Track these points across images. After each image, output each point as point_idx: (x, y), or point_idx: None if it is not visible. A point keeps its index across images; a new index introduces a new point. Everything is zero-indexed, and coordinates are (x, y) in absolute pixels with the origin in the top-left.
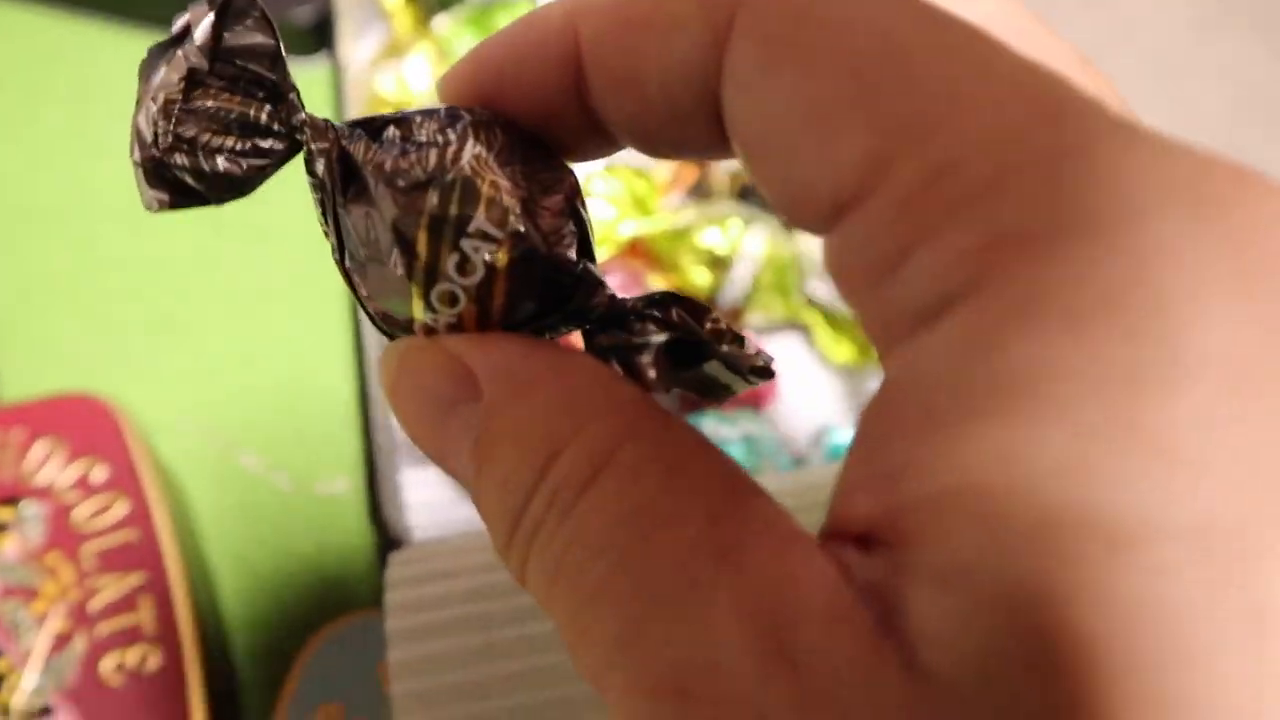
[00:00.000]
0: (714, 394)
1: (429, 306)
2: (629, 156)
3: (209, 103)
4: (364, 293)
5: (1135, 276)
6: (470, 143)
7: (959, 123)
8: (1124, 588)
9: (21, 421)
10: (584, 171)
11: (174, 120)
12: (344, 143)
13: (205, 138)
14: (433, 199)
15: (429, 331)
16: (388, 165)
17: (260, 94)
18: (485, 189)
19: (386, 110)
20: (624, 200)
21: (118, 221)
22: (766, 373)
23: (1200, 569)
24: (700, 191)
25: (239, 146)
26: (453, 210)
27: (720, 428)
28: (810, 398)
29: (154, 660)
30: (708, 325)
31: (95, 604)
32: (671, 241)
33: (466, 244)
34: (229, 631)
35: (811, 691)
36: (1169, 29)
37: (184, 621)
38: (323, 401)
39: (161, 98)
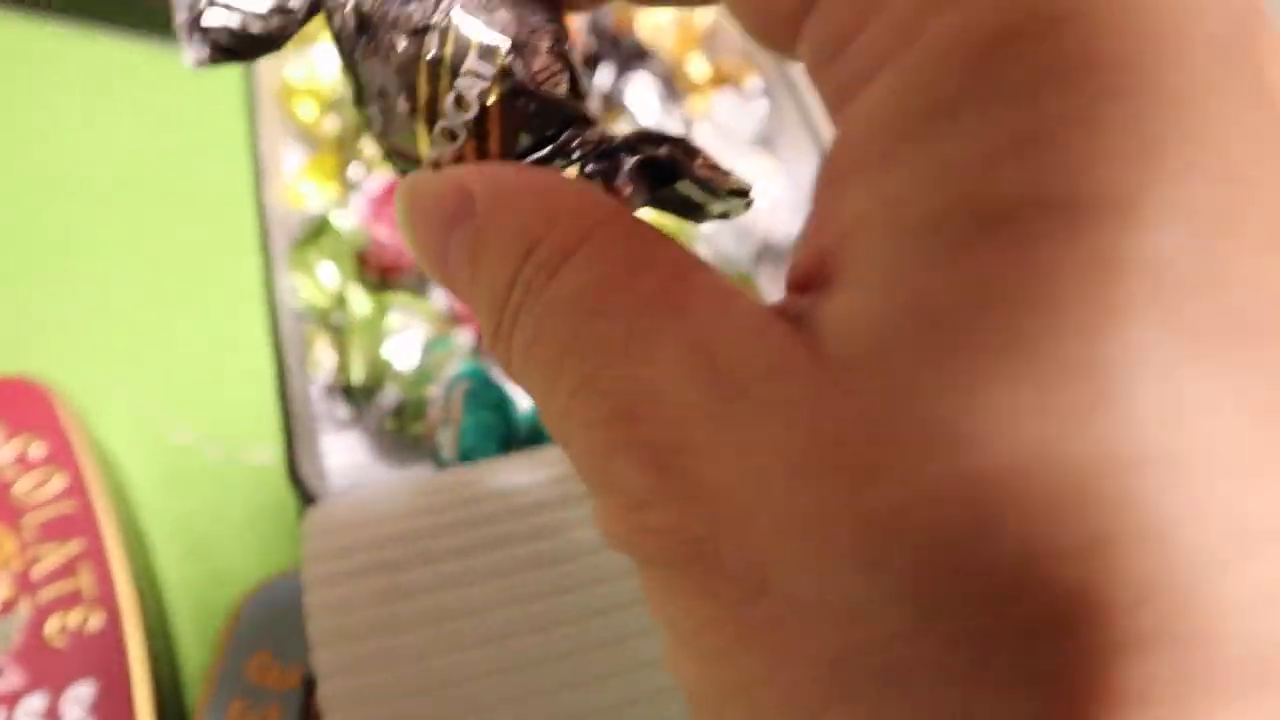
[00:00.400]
0: (690, 213)
1: (433, 142)
2: None
3: None
4: (378, 130)
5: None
6: None
7: None
8: (999, 266)
9: None
10: None
11: None
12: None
13: (239, 1)
14: (430, 42)
15: (436, 166)
16: (391, 14)
17: None
18: (475, 31)
19: (300, 98)
20: None
21: (39, 206)
22: (742, 194)
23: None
24: None
25: (270, 6)
26: (448, 51)
27: None
28: None
29: (95, 621)
30: (698, 162)
31: (37, 571)
32: None
33: (461, 83)
34: (166, 593)
35: (732, 390)
36: None
37: (122, 584)
38: (250, 375)
39: None
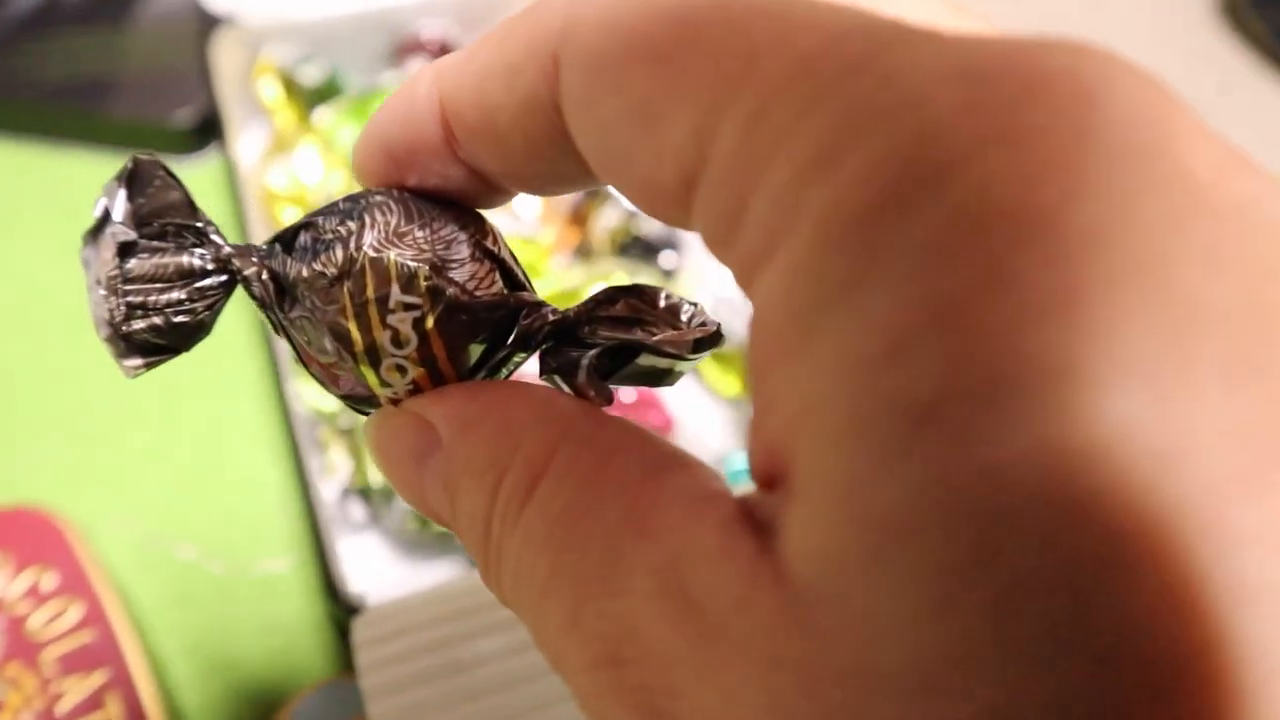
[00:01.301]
0: (659, 379)
1: (383, 383)
2: (516, 226)
3: (146, 266)
4: (330, 385)
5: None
6: (369, 227)
7: (760, 73)
8: (938, 472)
9: None
10: None
11: (121, 294)
12: (269, 262)
13: (154, 298)
14: (349, 289)
15: (395, 402)
16: (304, 272)
17: (189, 241)
18: (390, 265)
19: (283, 204)
20: (530, 271)
21: (18, 335)
22: (714, 339)
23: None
24: (583, 251)
25: (186, 295)
26: (369, 294)
27: None
28: (705, 428)
29: None
30: (662, 304)
31: (62, 707)
32: (561, 300)
33: (392, 319)
34: (188, 717)
35: (708, 628)
36: None
37: (152, 711)
38: (250, 485)
39: (105, 277)
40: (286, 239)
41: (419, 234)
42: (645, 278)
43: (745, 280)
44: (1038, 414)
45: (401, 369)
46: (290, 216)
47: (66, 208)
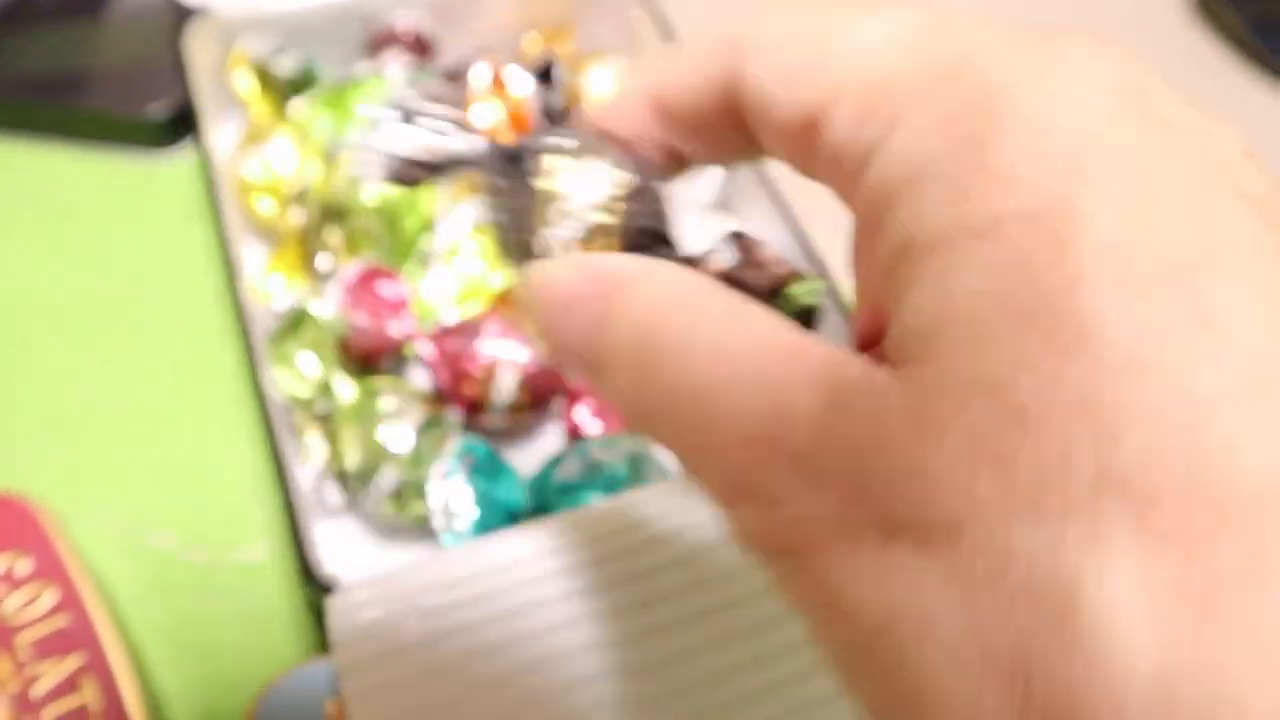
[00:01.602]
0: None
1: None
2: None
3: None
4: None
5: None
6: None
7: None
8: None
9: None
10: (453, 234)
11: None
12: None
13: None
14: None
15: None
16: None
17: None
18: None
19: (258, 194)
20: (492, 254)
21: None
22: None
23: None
24: None
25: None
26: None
27: (605, 451)
28: None
29: None
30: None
31: (37, 690)
32: None
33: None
34: (167, 705)
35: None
36: None
37: (129, 696)
38: (226, 474)
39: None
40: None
41: (628, 164)
42: None
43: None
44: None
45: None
46: (265, 207)
47: (43, 202)
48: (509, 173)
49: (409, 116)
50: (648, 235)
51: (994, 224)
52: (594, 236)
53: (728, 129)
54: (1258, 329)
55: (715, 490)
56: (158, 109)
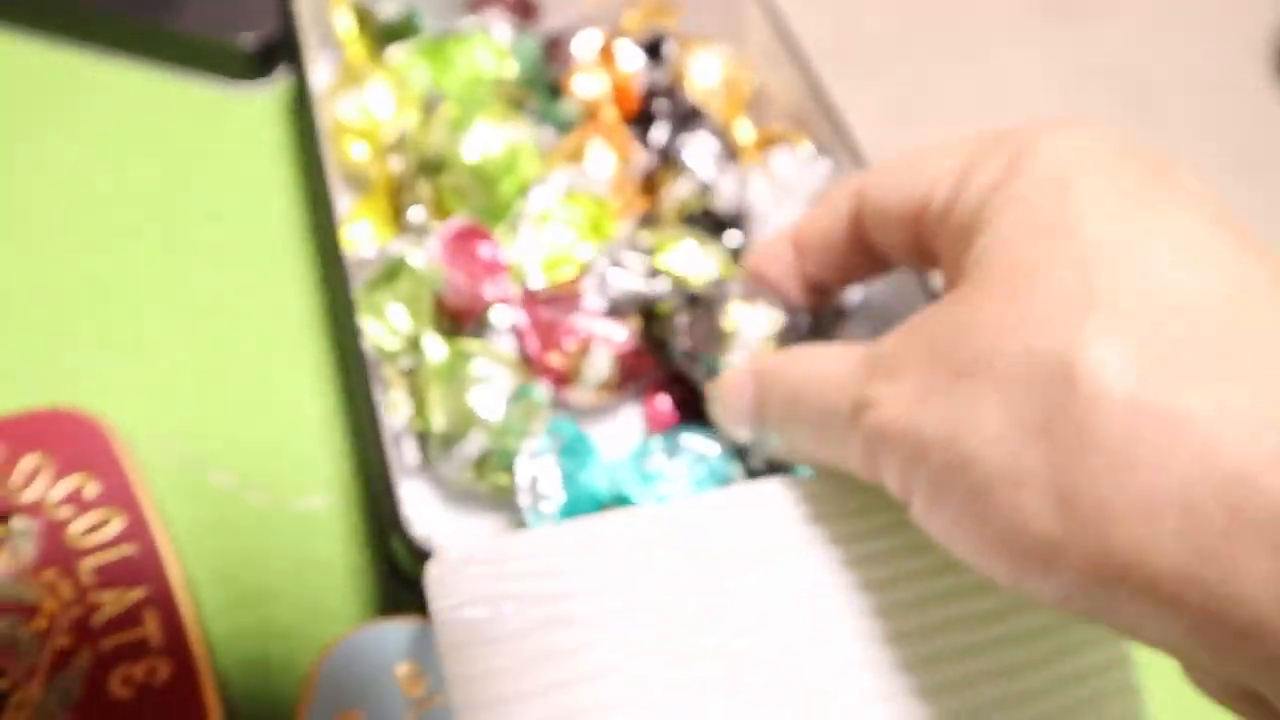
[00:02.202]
0: None
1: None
2: (586, 182)
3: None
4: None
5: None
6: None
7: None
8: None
9: (4, 438)
10: (545, 200)
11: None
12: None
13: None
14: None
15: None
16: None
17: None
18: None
19: (351, 137)
20: (582, 225)
21: (72, 240)
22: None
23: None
24: (649, 220)
25: (628, 287)
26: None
27: (697, 444)
28: None
29: (164, 671)
30: None
31: (98, 619)
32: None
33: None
34: (222, 648)
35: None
36: None
37: (191, 631)
38: (295, 419)
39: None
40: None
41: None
42: (709, 250)
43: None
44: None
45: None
46: (359, 152)
47: (123, 119)
48: (691, 310)
49: (615, 263)
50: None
51: (1019, 197)
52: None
53: (855, 253)
54: (1186, 221)
55: (831, 426)
56: (248, 39)
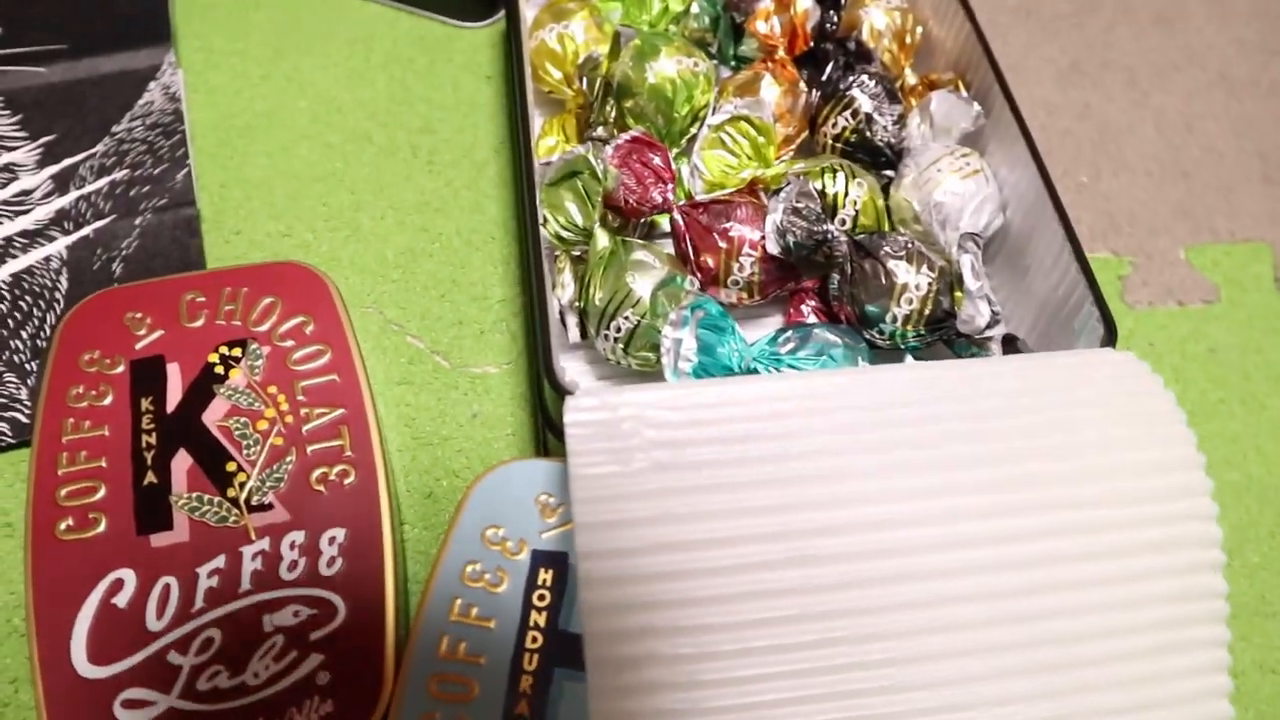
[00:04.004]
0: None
1: (897, 304)
2: (754, 112)
3: (799, 220)
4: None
5: None
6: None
7: None
8: None
9: (249, 282)
10: (714, 124)
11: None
12: (856, 238)
13: (796, 229)
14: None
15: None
16: (882, 247)
17: (814, 217)
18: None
19: (546, 60)
20: (746, 149)
21: (314, 142)
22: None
23: None
24: (806, 149)
25: (804, 233)
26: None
27: (829, 334)
28: None
29: (352, 476)
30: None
31: (306, 427)
32: (775, 179)
33: (920, 280)
34: (397, 477)
35: None
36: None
37: (377, 449)
38: (481, 300)
39: (786, 209)
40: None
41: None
42: (860, 179)
43: None
44: None
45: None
46: (555, 76)
47: (366, 47)
48: (857, 257)
49: (795, 210)
50: (944, 313)
51: None
52: (915, 316)
53: None
54: None
55: None
56: None
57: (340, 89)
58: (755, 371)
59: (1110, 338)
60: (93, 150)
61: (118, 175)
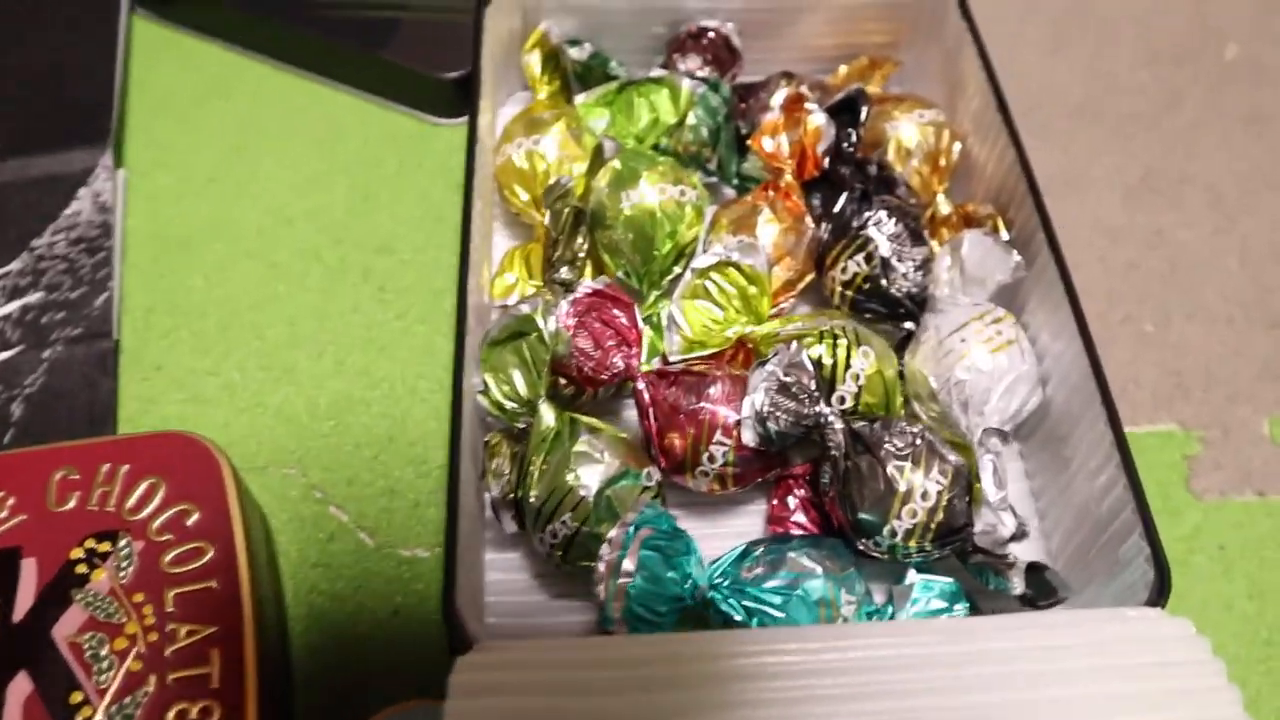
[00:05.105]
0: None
1: (898, 517)
2: (748, 253)
3: (786, 400)
4: (858, 507)
5: None
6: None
7: None
8: None
9: (132, 457)
10: (705, 269)
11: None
12: (853, 427)
13: (780, 414)
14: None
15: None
16: (884, 442)
17: (804, 397)
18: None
19: (513, 179)
20: (733, 300)
21: (253, 259)
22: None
23: None
24: (816, 294)
25: (791, 420)
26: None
27: (809, 557)
28: None
29: (217, 715)
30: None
31: (170, 650)
32: (767, 341)
33: (929, 485)
34: (293, 682)
35: None
36: None
37: (250, 682)
38: (417, 468)
39: (770, 388)
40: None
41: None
42: (870, 345)
43: None
44: None
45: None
46: (523, 199)
47: (326, 144)
48: (854, 452)
49: (783, 387)
50: (959, 525)
51: None
52: (919, 530)
53: None
54: None
55: None
56: (453, 75)
57: (295, 196)
58: (711, 605)
59: (1160, 587)
60: (8, 268)
61: (31, 298)
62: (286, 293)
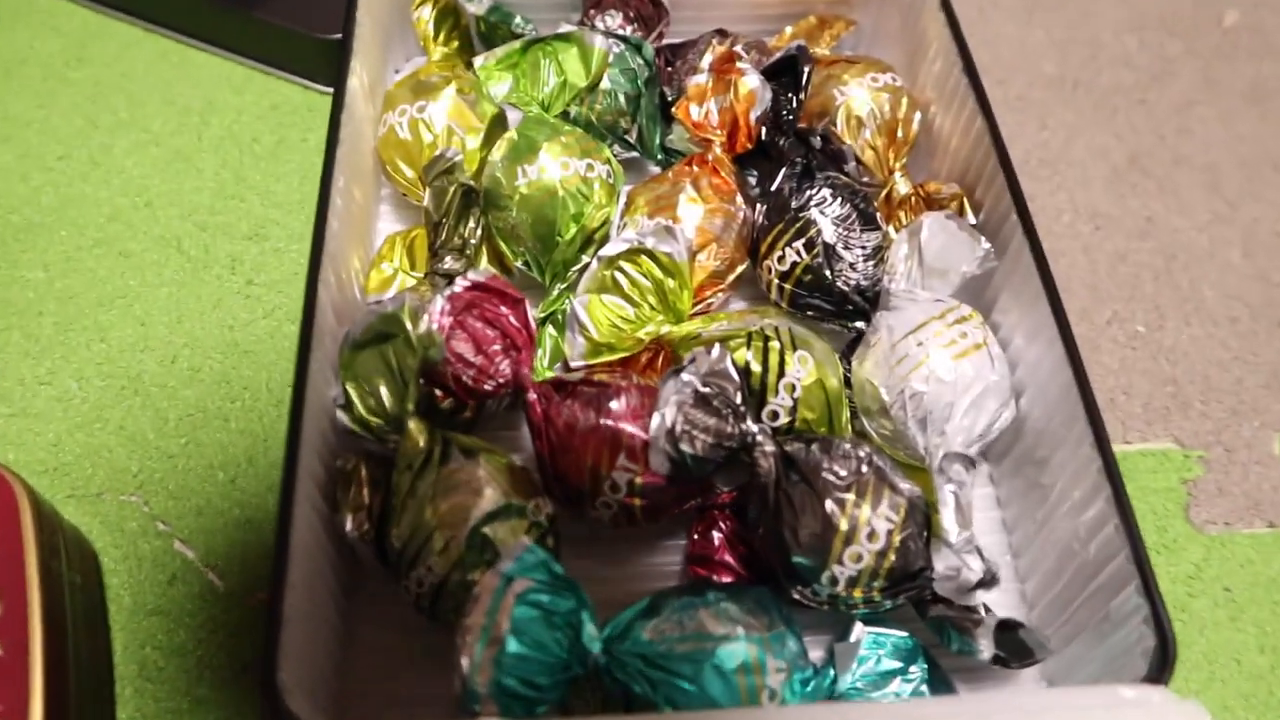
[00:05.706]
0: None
1: (839, 561)
2: (667, 240)
3: (705, 416)
4: (791, 548)
5: None
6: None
7: None
8: None
9: None
10: (615, 258)
11: (687, 418)
12: (786, 449)
13: (697, 433)
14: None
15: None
16: (823, 469)
17: (727, 412)
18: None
19: (394, 153)
20: (648, 295)
21: (103, 248)
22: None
23: None
24: (750, 288)
25: (710, 441)
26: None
27: (722, 620)
28: None
29: None
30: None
31: None
32: (686, 344)
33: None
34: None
35: None
36: None
37: None
38: (277, 491)
39: (685, 403)
40: (800, 445)
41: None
42: (809, 350)
43: None
44: None
45: (860, 558)
46: (408, 175)
47: (197, 115)
48: (787, 481)
49: (702, 399)
50: (915, 570)
51: None
52: (866, 576)
53: None
54: None
55: None
56: (338, 35)
57: (156, 176)
58: (607, 672)
59: (1164, 659)
60: None
61: None
62: (139, 287)
